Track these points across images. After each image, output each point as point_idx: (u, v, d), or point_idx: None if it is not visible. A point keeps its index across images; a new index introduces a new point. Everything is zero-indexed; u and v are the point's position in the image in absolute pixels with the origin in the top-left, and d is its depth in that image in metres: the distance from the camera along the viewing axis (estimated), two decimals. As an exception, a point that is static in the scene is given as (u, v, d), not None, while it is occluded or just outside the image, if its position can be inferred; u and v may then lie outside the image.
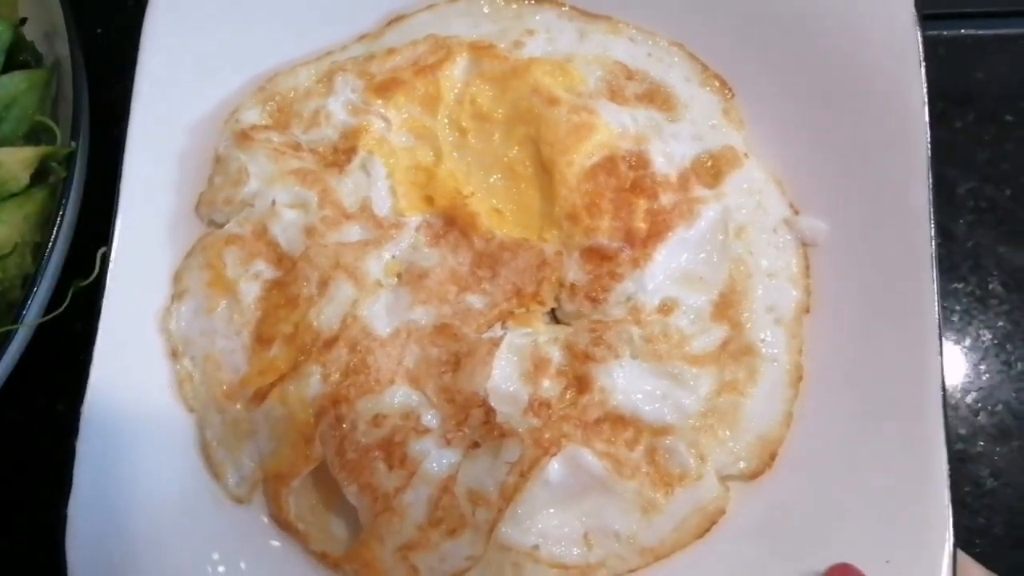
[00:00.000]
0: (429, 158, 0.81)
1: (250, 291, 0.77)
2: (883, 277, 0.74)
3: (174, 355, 0.76)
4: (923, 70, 0.74)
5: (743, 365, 0.75)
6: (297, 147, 0.81)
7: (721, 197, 0.79)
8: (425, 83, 0.82)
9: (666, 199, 0.78)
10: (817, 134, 0.79)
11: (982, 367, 0.84)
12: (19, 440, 0.86)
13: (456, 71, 0.82)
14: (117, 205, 0.76)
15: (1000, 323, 0.85)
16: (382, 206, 0.79)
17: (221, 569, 0.69)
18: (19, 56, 0.88)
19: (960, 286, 0.86)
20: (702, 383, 0.74)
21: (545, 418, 0.71)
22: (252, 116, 0.82)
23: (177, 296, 0.78)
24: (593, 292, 0.76)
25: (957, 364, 0.84)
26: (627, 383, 0.73)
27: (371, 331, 0.74)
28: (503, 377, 0.73)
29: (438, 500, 0.69)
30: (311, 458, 0.71)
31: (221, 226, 0.80)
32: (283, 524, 0.72)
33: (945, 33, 0.91)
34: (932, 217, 0.71)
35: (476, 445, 0.71)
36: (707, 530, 0.71)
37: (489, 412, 0.70)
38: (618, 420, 0.72)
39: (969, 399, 0.83)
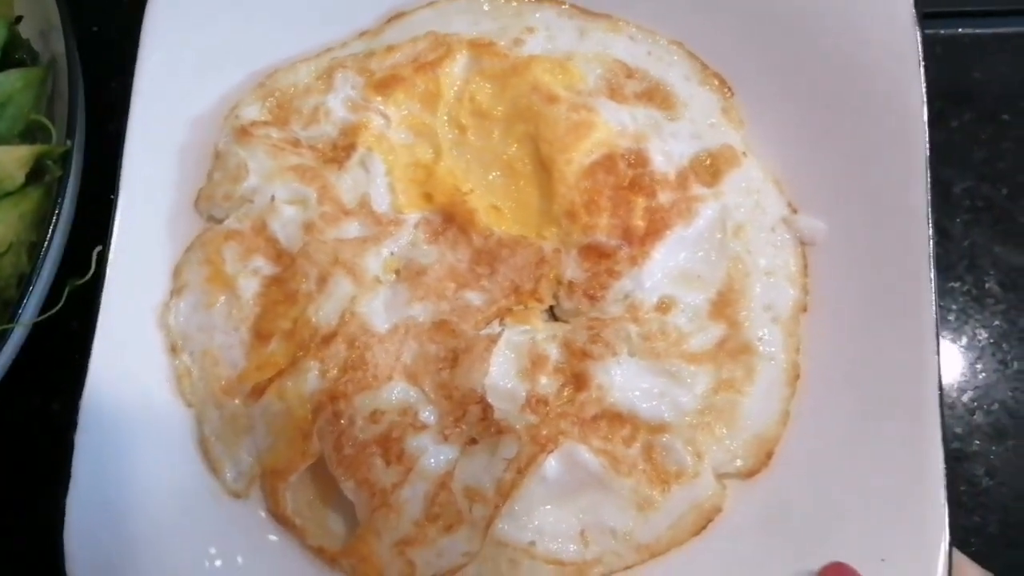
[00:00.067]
0: (428, 155, 0.81)
1: (249, 287, 0.77)
2: (881, 277, 0.74)
3: (173, 350, 0.76)
4: (922, 70, 0.74)
5: (740, 363, 0.75)
6: (296, 143, 0.81)
7: (720, 196, 0.79)
8: (425, 80, 0.82)
9: (664, 197, 0.78)
10: (816, 133, 0.79)
11: (978, 366, 0.84)
12: (15, 439, 0.85)
13: (456, 68, 0.82)
14: (116, 200, 0.76)
15: (996, 322, 0.85)
16: (381, 203, 0.79)
17: (218, 563, 0.70)
18: (15, 54, 0.88)
19: (956, 285, 0.86)
20: (699, 381, 0.74)
21: (542, 415, 0.71)
22: (252, 112, 0.83)
23: (176, 291, 0.78)
24: (591, 290, 0.76)
25: (953, 363, 0.84)
26: (624, 380, 0.73)
27: (369, 327, 0.74)
28: (501, 374, 0.73)
29: (435, 496, 0.69)
30: (309, 453, 0.71)
31: (220, 222, 0.80)
32: (280, 519, 0.72)
33: (943, 32, 0.91)
34: (931, 217, 0.71)
35: (473, 441, 0.71)
36: (703, 528, 0.71)
37: (487, 409, 0.71)
38: (615, 417, 0.72)
39: (965, 398, 0.83)
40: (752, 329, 0.76)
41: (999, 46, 0.93)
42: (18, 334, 0.77)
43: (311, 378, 0.73)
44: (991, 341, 0.85)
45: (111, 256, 0.75)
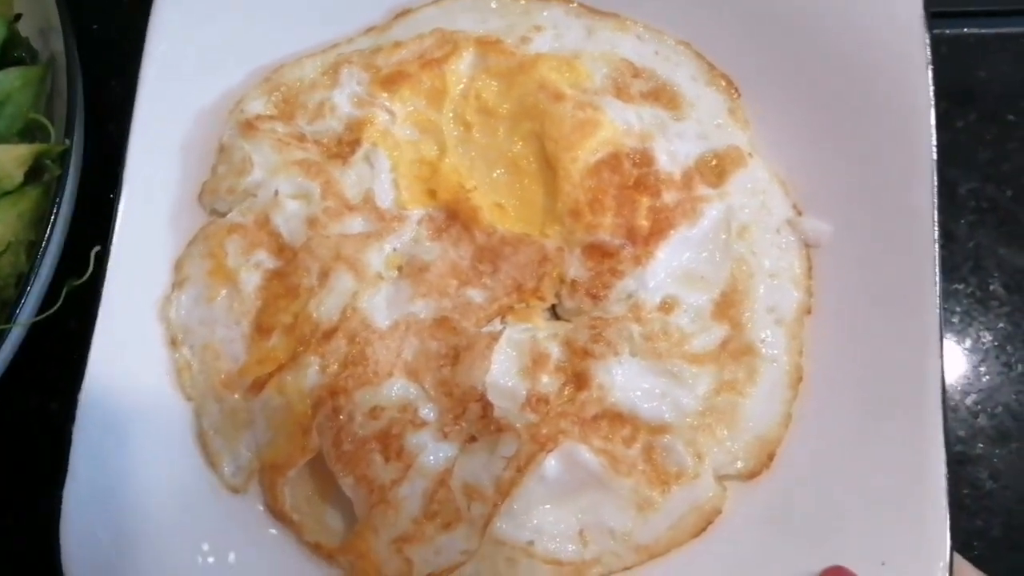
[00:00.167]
0: (433, 152, 0.81)
1: (251, 281, 0.77)
2: (886, 280, 0.73)
3: (173, 343, 0.76)
4: (930, 72, 0.73)
5: (743, 365, 0.74)
6: (301, 138, 0.81)
7: (725, 196, 0.78)
8: (431, 77, 0.82)
9: (669, 197, 0.77)
10: (823, 135, 0.79)
11: (982, 369, 0.83)
12: (14, 439, 0.85)
13: (462, 65, 0.82)
14: (120, 193, 0.76)
15: (1000, 325, 0.84)
16: (385, 199, 0.79)
17: (212, 559, 0.69)
18: (14, 52, 0.87)
19: (961, 287, 0.85)
20: (701, 382, 0.73)
21: (543, 414, 0.71)
22: (257, 106, 0.83)
23: (178, 284, 0.78)
24: (594, 289, 0.75)
25: (957, 366, 0.84)
26: (626, 380, 0.72)
27: (370, 323, 0.74)
28: (501, 372, 0.73)
29: (434, 493, 0.69)
30: (308, 449, 0.71)
31: (224, 215, 0.80)
32: (278, 514, 0.72)
33: (947, 32, 0.91)
34: (936, 220, 0.71)
35: (473, 439, 0.71)
36: (703, 529, 0.71)
37: (487, 406, 0.70)
38: (616, 417, 0.72)
39: (969, 401, 0.82)
40: (755, 331, 0.75)
41: (1004, 46, 0.92)
42: (16, 334, 0.76)
43: (311, 373, 0.72)
44: (995, 343, 0.84)
45: (113, 249, 0.75)
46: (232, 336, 0.76)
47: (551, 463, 0.69)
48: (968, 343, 0.84)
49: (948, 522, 0.64)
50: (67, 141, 0.80)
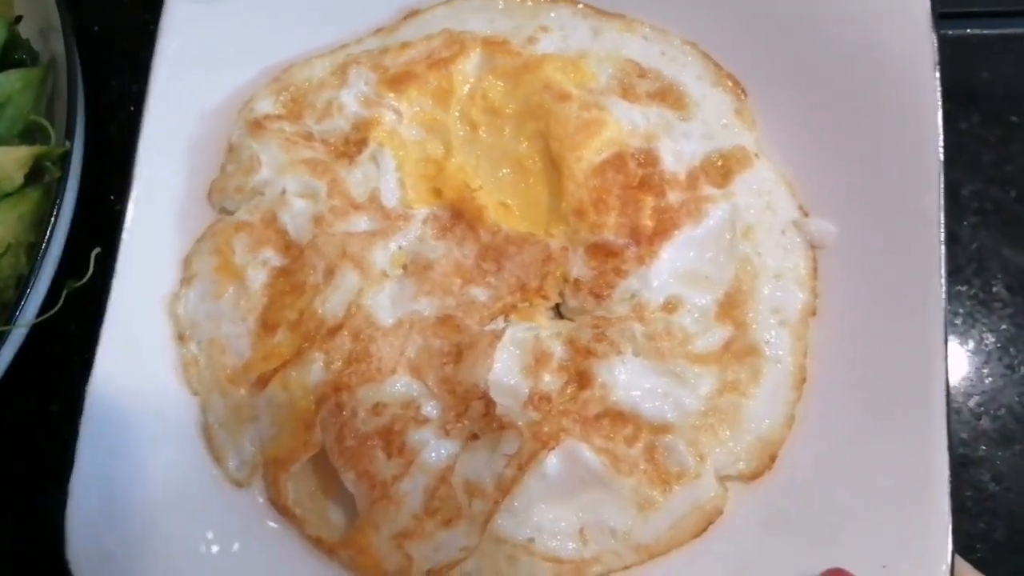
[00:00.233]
0: (439, 151, 0.82)
1: (257, 277, 0.77)
2: (891, 282, 0.73)
3: (181, 339, 0.77)
4: (937, 74, 0.73)
5: (746, 366, 0.74)
6: (309, 137, 0.82)
7: (730, 196, 0.78)
8: (438, 77, 0.82)
9: (674, 197, 0.77)
10: (829, 136, 0.79)
11: (985, 371, 0.83)
12: (14, 441, 0.85)
13: (469, 66, 0.83)
14: (130, 190, 0.77)
15: (1004, 326, 0.83)
16: (390, 197, 0.80)
17: (214, 551, 0.70)
18: (14, 54, 0.87)
19: (964, 289, 0.85)
20: (704, 382, 0.73)
21: (545, 412, 0.71)
22: (266, 106, 0.83)
23: (186, 281, 0.79)
24: (597, 288, 0.76)
25: (960, 367, 0.83)
26: (628, 380, 0.72)
27: (375, 320, 0.75)
28: (504, 370, 0.73)
29: (435, 490, 0.69)
30: (311, 444, 0.72)
31: (232, 213, 0.81)
32: (281, 509, 0.72)
33: (951, 33, 0.90)
34: (943, 222, 0.70)
35: (475, 437, 0.71)
36: (704, 530, 0.71)
37: (489, 404, 0.71)
38: (618, 416, 0.72)
39: (972, 403, 0.82)
40: (759, 331, 0.75)
41: (1007, 47, 0.91)
42: (17, 335, 0.76)
43: (315, 369, 0.73)
44: (998, 345, 0.83)
45: (123, 245, 0.75)
46: (238, 332, 0.77)
47: (552, 461, 0.69)
48: (971, 345, 0.83)
49: (950, 525, 0.64)
50: (67, 143, 0.80)
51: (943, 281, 0.69)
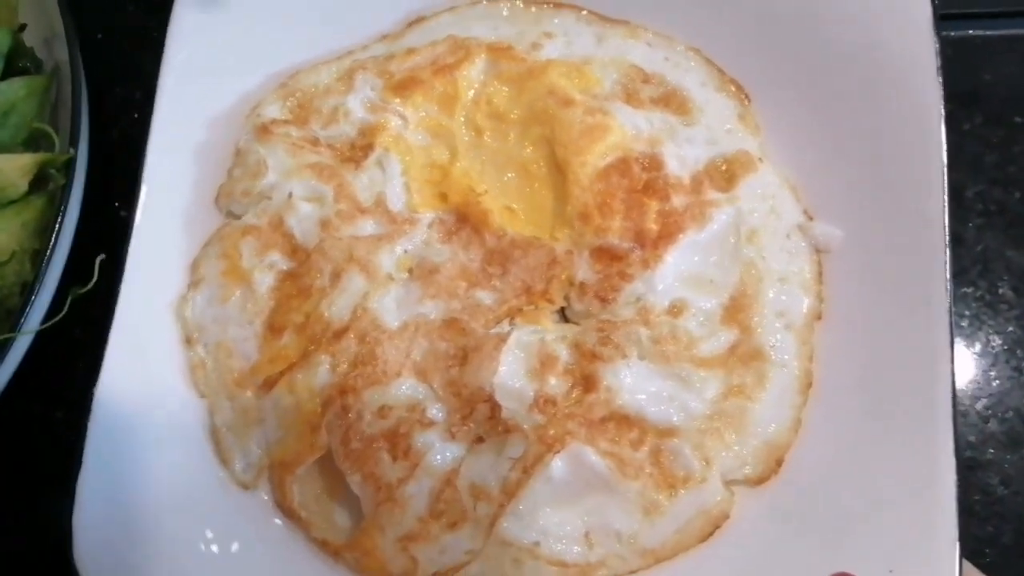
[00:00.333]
0: (444, 156, 0.82)
1: (264, 281, 0.78)
2: (897, 285, 0.73)
3: (188, 342, 0.78)
4: (940, 77, 0.73)
5: (752, 370, 0.74)
6: (315, 142, 0.82)
7: (734, 201, 0.78)
8: (443, 83, 0.83)
9: (678, 201, 0.78)
10: (833, 140, 0.79)
11: (992, 373, 0.82)
12: (18, 447, 0.85)
13: (474, 71, 0.83)
14: (138, 194, 0.78)
15: (1010, 328, 0.83)
16: (396, 202, 0.80)
17: (221, 550, 0.70)
18: (18, 62, 0.87)
19: (969, 291, 0.84)
20: (709, 386, 0.73)
21: (550, 415, 0.71)
22: (273, 111, 0.84)
23: (193, 284, 0.79)
24: (602, 292, 0.76)
25: (967, 370, 0.83)
26: (634, 383, 0.72)
27: (380, 323, 0.75)
28: (510, 373, 0.73)
29: (440, 493, 0.69)
30: (317, 447, 0.72)
31: (239, 217, 0.81)
32: (286, 511, 0.73)
33: (952, 34, 0.90)
34: (947, 224, 0.70)
35: (480, 440, 0.71)
36: (710, 534, 0.70)
37: (495, 407, 0.71)
38: (623, 420, 0.72)
39: (979, 406, 0.81)
40: (764, 335, 0.75)
41: (1010, 48, 0.91)
42: (21, 342, 0.76)
43: (321, 372, 0.73)
44: (1005, 347, 0.83)
45: (131, 249, 0.76)
46: (245, 335, 0.77)
47: (558, 464, 0.69)
48: (978, 347, 0.83)
49: (957, 529, 0.64)
50: (71, 150, 0.80)
51: (948, 283, 0.69)
